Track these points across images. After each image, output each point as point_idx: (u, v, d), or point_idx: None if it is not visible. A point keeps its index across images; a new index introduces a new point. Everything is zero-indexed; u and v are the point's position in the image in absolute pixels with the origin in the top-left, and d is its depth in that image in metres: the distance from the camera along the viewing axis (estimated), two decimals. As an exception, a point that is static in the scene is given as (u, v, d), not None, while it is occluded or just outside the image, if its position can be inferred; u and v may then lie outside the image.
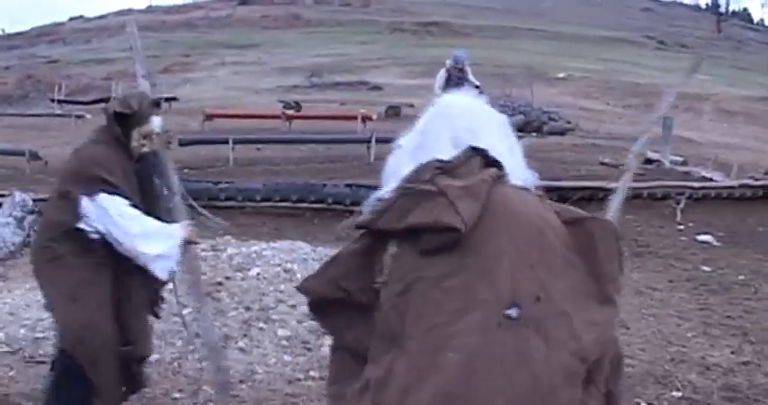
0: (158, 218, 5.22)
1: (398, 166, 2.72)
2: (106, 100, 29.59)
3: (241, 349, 7.22)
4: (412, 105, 28.16)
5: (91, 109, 28.44)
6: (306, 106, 26.99)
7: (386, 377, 2.43)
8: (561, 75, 43.18)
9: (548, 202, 2.69)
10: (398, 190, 2.59)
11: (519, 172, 2.72)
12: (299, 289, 2.77)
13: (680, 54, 66.95)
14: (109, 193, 4.99)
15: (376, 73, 41.98)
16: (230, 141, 18.45)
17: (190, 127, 22.82)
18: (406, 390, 2.39)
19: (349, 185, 13.97)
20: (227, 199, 13.93)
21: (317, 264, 7.08)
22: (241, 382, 6.64)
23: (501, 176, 2.63)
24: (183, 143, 17.64)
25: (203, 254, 10.02)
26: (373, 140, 18.17)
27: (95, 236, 5.00)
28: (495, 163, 2.63)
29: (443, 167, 2.59)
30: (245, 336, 7.43)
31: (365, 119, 22.76)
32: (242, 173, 16.70)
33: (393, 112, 27.12)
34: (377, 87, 36.36)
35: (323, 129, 22.05)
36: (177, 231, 5.25)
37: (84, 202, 4.96)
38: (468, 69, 19.44)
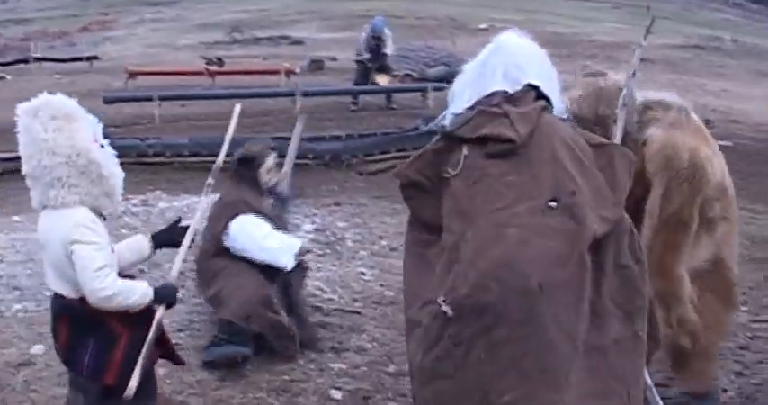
0: None
1: (463, 88, 3.79)
2: (25, 61, 29.21)
3: (178, 299, 7.34)
4: (335, 59, 28.17)
5: (10, 70, 28.00)
6: (228, 62, 26.84)
7: (459, 242, 3.41)
8: (483, 25, 43.22)
9: (578, 129, 3.84)
10: (473, 110, 3.61)
11: (556, 102, 3.73)
12: (395, 174, 3.80)
13: (599, 4, 67.45)
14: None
15: (297, 27, 41.72)
16: (155, 98, 18.35)
17: (113, 85, 22.64)
18: (478, 251, 3.36)
19: (275, 138, 14.04)
20: (156, 155, 13.96)
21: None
22: (179, 330, 6.79)
23: (546, 107, 3.64)
24: (107, 101, 17.54)
25: (134, 209, 10.11)
26: (298, 94, 18.24)
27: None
28: (543, 97, 3.65)
29: (508, 98, 3.60)
30: (181, 286, 7.52)
31: (288, 73, 22.72)
32: (168, 129, 16.72)
33: (316, 65, 27.06)
34: (298, 42, 36.16)
35: (247, 84, 22.01)
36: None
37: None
38: (388, 36, 19.70)
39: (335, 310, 7.51)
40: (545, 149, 3.47)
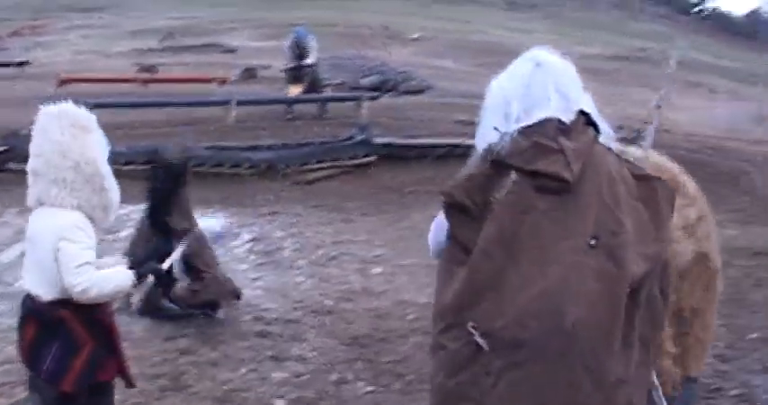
0: None
1: (506, 105, 3.59)
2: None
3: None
4: (268, 67, 28.13)
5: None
6: (161, 69, 26.69)
7: (501, 274, 3.38)
8: (415, 35, 43.50)
9: (624, 159, 3.65)
10: (529, 140, 3.46)
11: (602, 125, 3.60)
12: (443, 193, 3.59)
13: (529, 14, 68.14)
14: None
15: (229, 35, 41.56)
16: (87, 106, 18.15)
17: (44, 92, 22.35)
18: (518, 286, 3.34)
19: (210, 148, 14.05)
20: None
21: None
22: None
23: (596, 137, 3.55)
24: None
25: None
26: (233, 102, 18.20)
27: None
28: (592, 123, 3.55)
29: (563, 130, 3.48)
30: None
31: (222, 81, 22.64)
32: (100, 137, 16.56)
33: (249, 74, 26.98)
34: (231, 50, 36.04)
35: (180, 92, 21.89)
36: None
37: None
38: (312, 45, 19.64)
39: (275, 319, 7.57)
40: (592, 186, 3.45)
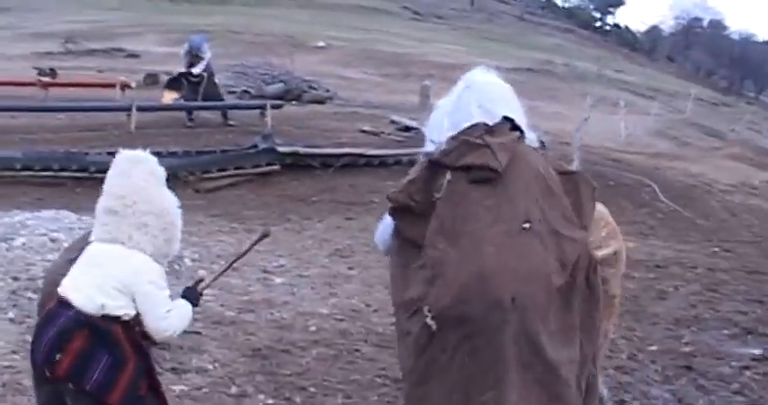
0: None
1: (441, 118, 4.22)
2: None
3: (11, 320, 7.15)
4: (171, 73, 27.81)
5: None
6: (61, 73, 26.17)
7: (443, 258, 3.86)
8: (320, 44, 43.46)
9: (548, 157, 4.26)
10: (458, 140, 4.02)
11: (527, 132, 4.15)
12: (389, 198, 4.14)
13: (434, 25, 68.64)
14: None
15: (133, 40, 41.07)
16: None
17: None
18: (459, 266, 3.81)
19: (111, 154, 13.77)
20: (-15, 168, 13.53)
21: (83, 232, 7.14)
22: (14, 352, 6.61)
23: (521, 137, 4.09)
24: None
25: (-37, 225, 9.78)
26: (134, 108, 17.94)
27: None
28: (517, 128, 4.09)
29: (488, 130, 4.02)
30: (14, 306, 7.36)
31: (124, 87, 22.27)
32: (-2, 142, 16.19)
33: (152, 79, 26.61)
34: (134, 55, 35.57)
35: (80, 96, 21.51)
36: None
37: None
38: (206, 54, 19.48)
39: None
40: (520, 178, 3.95)
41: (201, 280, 5.13)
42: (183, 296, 4.82)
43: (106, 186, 4.66)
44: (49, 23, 45.26)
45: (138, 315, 4.52)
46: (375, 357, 7.23)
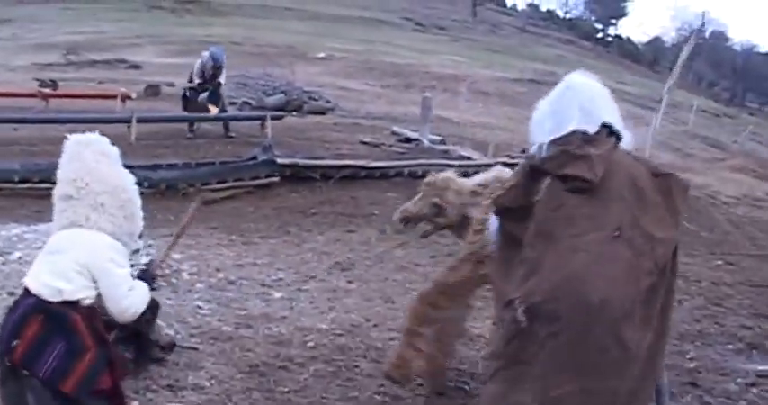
0: None
1: (542, 120, 4.51)
2: None
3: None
4: (172, 84, 27.75)
5: None
6: (63, 85, 26.13)
7: (539, 258, 4.24)
8: (321, 55, 43.45)
9: (642, 159, 4.57)
10: (558, 149, 4.32)
11: (624, 135, 4.45)
12: (493, 202, 4.69)
13: (436, 36, 68.63)
14: None
15: (134, 51, 41.06)
16: (-20, 120, 17.68)
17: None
18: (553, 267, 4.17)
19: (111, 166, 13.68)
20: (-17, 181, 13.41)
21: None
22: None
23: (617, 144, 4.39)
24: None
25: (-42, 238, 9.70)
26: (134, 120, 17.86)
27: None
28: (614, 134, 4.39)
29: (587, 139, 4.31)
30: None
31: (125, 98, 22.17)
32: (-1, 154, 16.09)
33: (152, 91, 26.58)
34: (135, 66, 35.56)
35: (81, 108, 21.42)
36: None
37: None
38: (224, 66, 19.46)
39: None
40: (614, 187, 4.27)
41: (154, 261, 5.27)
42: (140, 278, 4.83)
43: (59, 174, 4.73)
44: (51, 35, 45.28)
45: (99, 297, 4.52)
46: (374, 374, 7.10)
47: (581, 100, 4.47)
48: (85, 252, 4.49)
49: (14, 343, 4.44)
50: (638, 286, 4.18)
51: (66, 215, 4.62)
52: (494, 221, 4.76)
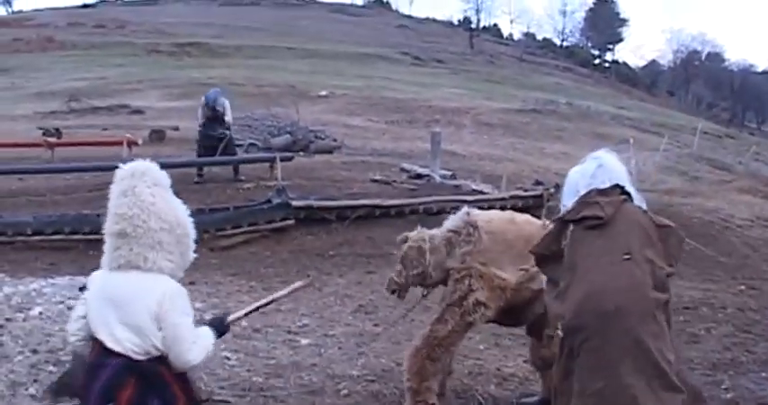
0: None
1: (575, 189, 5.34)
2: None
3: (32, 396, 6.92)
4: (177, 128, 27.76)
5: None
6: (66, 132, 26.16)
7: (567, 288, 5.00)
8: (323, 92, 43.56)
9: (649, 214, 5.18)
10: (577, 202, 5.18)
11: (635, 197, 5.24)
12: (531, 252, 5.55)
13: (436, 69, 68.83)
14: None
15: (136, 96, 41.22)
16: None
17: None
18: (575, 288, 4.92)
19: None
20: (-5, 233, 13.31)
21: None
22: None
23: (627, 199, 5.19)
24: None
25: (-24, 296, 9.56)
26: (145, 167, 17.74)
27: None
28: (625, 192, 5.20)
29: (600, 191, 5.17)
30: (35, 381, 7.12)
31: (131, 144, 22.18)
32: (5, 205, 15.96)
33: (157, 136, 26.58)
34: (138, 111, 35.64)
35: (87, 155, 21.37)
36: None
37: None
38: (226, 104, 19.29)
39: (203, 401, 7.19)
40: (623, 224, 5.05)
41: (228, 313, 5.11)
42: (210, 325, 4.71)
43: (111, 207, 4.47)
44: (51, 82, 45.45)
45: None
46: (411, 420, 6.97)
47: (611, 178, 5.33)
48: (154, 302, 4.32)
49: None
50: (648, 295, 4.88)
51: (121, 253, 4.40)
52: None
